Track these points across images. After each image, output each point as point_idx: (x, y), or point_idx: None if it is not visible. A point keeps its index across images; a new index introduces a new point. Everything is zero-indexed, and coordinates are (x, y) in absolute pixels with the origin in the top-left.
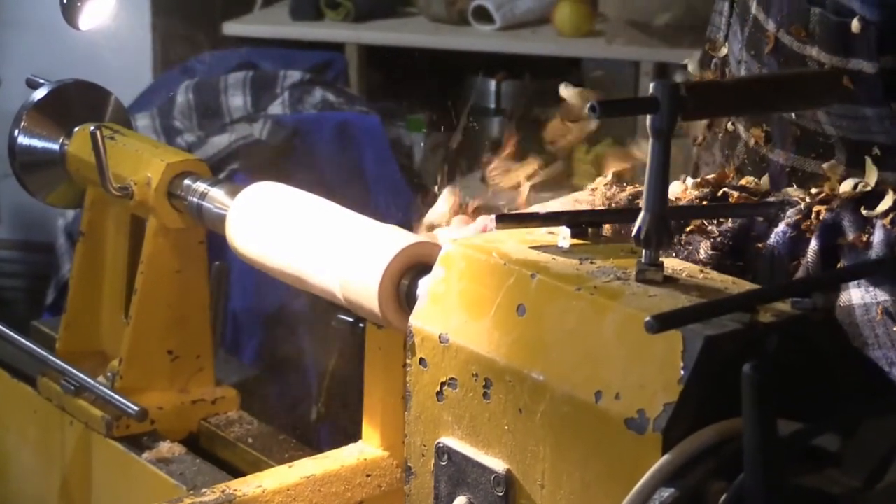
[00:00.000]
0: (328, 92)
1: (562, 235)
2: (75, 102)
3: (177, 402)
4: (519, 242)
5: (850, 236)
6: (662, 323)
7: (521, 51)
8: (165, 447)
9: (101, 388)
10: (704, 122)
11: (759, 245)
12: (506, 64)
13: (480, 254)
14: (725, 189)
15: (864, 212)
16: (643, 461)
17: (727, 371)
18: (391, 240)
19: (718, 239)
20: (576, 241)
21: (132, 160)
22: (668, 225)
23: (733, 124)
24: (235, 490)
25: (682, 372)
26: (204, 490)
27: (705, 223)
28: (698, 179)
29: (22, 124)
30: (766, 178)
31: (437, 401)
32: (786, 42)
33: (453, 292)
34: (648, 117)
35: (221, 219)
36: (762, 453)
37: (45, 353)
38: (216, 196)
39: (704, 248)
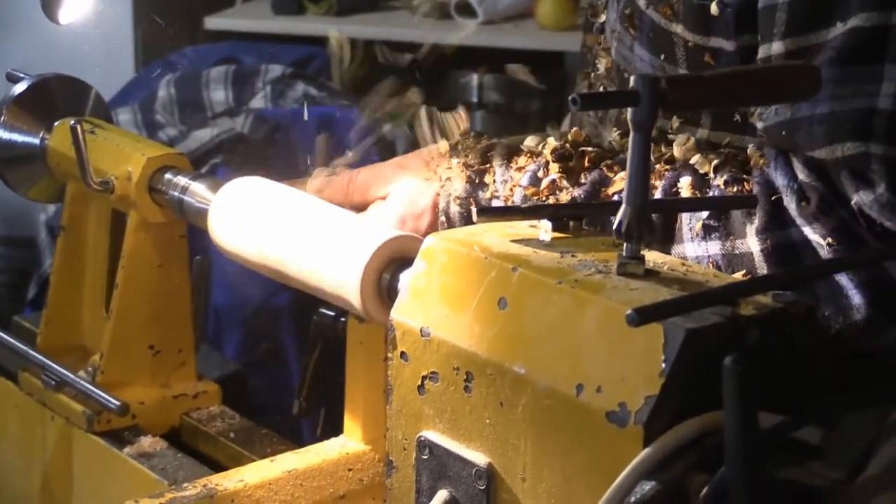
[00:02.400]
0: (310, 86)
1: (543, 229)
2: (56, 97)
3: (158, 397)
4: (500, 236)
5: (687, 193)
6: (643, 316)
7: (504, 45)
8: (147, 442)
9: (82, 382)
10: (584, 84)
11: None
12: (488, 58)
13: (462, 247)
14: (582, 148)
15: (701, 169)
16: (624, 454)
17: (708, 364)
18: (372, 234)
19: (575, 195)
20: (557, 234)
21: (113, 154)
22: (648, 218)
23: (604, 87)
24: (217, 484)
25: (664, 365)
26: (185, 484)
27: (562, 180)
28: (561, 139)
29: (2, 118)
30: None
31: (419, 395)
32: (654, 18)
33: (434, 286)
34: (629, 110)
35: (203, 213)
36: (743, 446)
37: (25, 348)
38: (197, 190)
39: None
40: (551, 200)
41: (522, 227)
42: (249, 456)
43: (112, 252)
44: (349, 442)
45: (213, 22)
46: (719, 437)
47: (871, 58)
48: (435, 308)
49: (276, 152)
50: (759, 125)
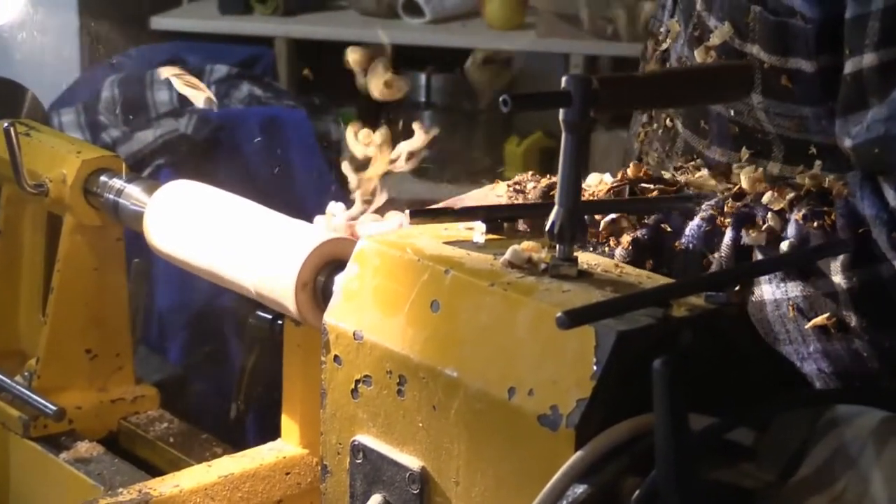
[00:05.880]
0: (255, 86)
1: (477, 231)
2: None
3: (95, 402)
4: (433, 238)
5: (763, 230)
6: (574, 318)
7: (451, 44)
8: (84, 447)
9: (19, 387)
10: (643, 118)
11: (675, 242)
12: (436, 57)
13: (394, 250)
14: (642, 184)
15: (775, 206)
16: (556, 457)
17: (640, 366)
18: (307, 237)
19: (635, 235)
20: (491, 236)
21: (47, 157)
22: (581, 219)
23: (672, 120)
24: (152, 489)
25: (595, 368)
26: (120, 490)
27: (623, 220)
28: (618, 174)
29: None
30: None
31: (352, 398)
32: (727, 40)
33: (367, 289)
34: (561, 111)
35: (138, 216)
36: (673, 448)
37: None
38: (132, 193)
39: (623, 245)
40: (612, 242)
41: (458, 230)
42: (188, 461)
43: (48, 255)
44: (286, 446)
45: (160, 22)
46: (651, 440)
47: None
48: (368, 311)
49: (219, 153)
50: (848, 143)
